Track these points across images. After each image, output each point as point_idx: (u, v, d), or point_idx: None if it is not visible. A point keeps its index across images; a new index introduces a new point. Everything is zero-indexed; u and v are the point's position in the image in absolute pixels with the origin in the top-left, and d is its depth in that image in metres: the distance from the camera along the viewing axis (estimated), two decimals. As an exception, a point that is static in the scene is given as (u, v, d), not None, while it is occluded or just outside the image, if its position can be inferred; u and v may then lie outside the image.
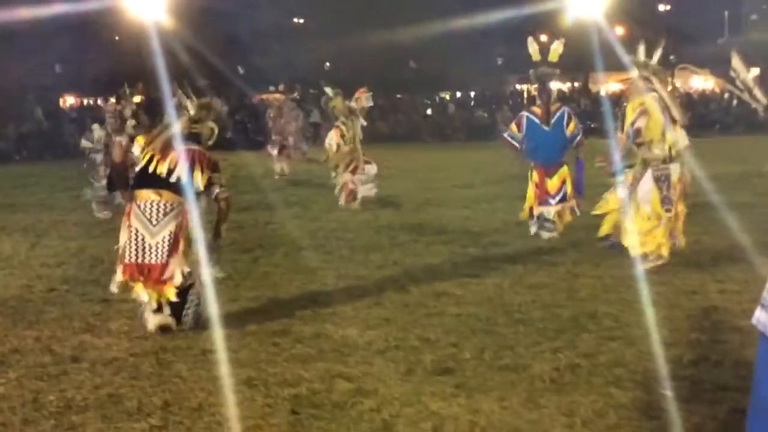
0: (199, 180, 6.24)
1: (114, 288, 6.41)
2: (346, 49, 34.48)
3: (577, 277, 7.82)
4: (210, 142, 6.60)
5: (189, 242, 6.21)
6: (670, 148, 8.00)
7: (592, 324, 6.24)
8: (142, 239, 6.15)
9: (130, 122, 12.65)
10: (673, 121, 8.02)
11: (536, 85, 10.44)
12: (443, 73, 37.72)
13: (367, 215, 12.11)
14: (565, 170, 9.97)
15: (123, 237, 6.29)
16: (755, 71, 28.18)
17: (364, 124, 13.28)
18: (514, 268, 8.28)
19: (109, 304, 7.03)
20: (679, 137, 8.10)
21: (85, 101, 36.26)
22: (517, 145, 10.18)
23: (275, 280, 7.96)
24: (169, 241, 6.13)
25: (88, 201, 12.54)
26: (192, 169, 6.23)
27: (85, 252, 9.59)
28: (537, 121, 10.03)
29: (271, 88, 19.20)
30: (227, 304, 6.79)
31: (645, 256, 7.90)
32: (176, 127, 6.43)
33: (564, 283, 7.57)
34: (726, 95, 34.12)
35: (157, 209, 6.17)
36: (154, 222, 6.16)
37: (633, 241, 7.93)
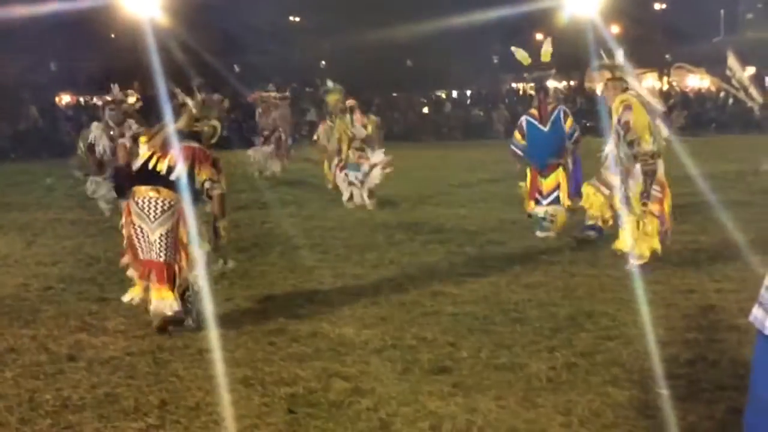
0: (200, 178, 6.23)
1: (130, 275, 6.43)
2: (343, 48, 34.49)
3: (574, 276, 7.82)
4: (213, 140, 6.56)
5: (187, 241, 6.20)
6: (657, 144, 8.02)
7: (589, 323, 6.24)
8: (147, 236, 6.15)
9: (130, 121, 12.63)
10: (654, 116, 8.05)
11: (533, 85, 10.49)
12: (439, 71, 37.75)
13: (363, 214, 12.11)
14: (560, 173, 9.95)
15: (126, 234, 6.31)
16: (751, 70, 28.22)
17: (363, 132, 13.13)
18: (511, 266, 8.28)
19: (106, 303, 7.03)
20: (660, 129, 8.14)
21: (81, 99, 36.18)
22: (520, 152, 10.15)
23: (271, 279, 7.96)
24: (166, 238, 6.12)
25: (102, 196, 12.35)
26: (192, 168, 6.21)
27: (81, 251, 9.58)
28: (535, 122, 10.04)
29: (270, 87, 19.07)
30: (223, 303, 6.78)
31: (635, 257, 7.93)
32: (178, 124, 6.40)
33: (561, 282, 7.57)
34: (722, 94, 34.19)
35: (155, 206, 6.15)
36: (152, 218, 6.14)
37: (629, 239, 7.94)
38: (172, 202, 6.17)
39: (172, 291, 6.11)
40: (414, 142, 30.57)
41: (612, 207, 8.41)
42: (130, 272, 6.41)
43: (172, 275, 6.14)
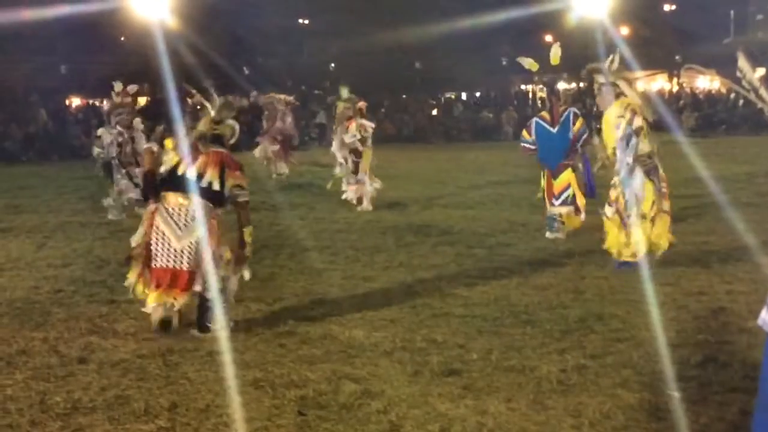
0: (228, 184, 6.18)
1: (129, 285, 6.37)
2: (352, 50, 34.51)
3: (584, 278, 7.81)
4: (232, 141, 6.49)
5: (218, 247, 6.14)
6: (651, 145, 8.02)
7: (599, 325, 6.22)
8: (168, 243, 6.08)
9: (135, 120, 12.69)
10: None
11: (541, 87, 10.54)
12: (448, 73, 37.75)
13: (373, 216, 12.12)
14: (569, 173, 9.95)
15: (141, 235, 6.25)
16: (761, 71, 28.11)
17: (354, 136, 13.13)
18: (521, 268, 8.28)
19: (116, 306, 7.04)
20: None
21: (91, 102, 36.31)
22: (532, 147, 10.23)
23: (281, 281, 7.97)
24: (195, 247, 6.05)
25: (111, 206, 12.42)
26: (222, 174, 6.16)
27: (91, 253, 9.61)
28: (545, 124, 10.07)
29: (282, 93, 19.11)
30: (233, 305, 6.78)
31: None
32: (199, 128, 6.34)
33: (570, 284, 7.56)
34: (732, 95, 34.09)
35: (185, 214, 6.09)
36: (182, 226, 6.08)
37: (639, 242, 7.91)
38: (203, 210, 6.09)
39: (189, 296, 6.11)
40: (423, 144, 30.59)
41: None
42: (133, 278, 6.31)
43: (192, 282, 6.09)
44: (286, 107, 18.00)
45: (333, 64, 39.29)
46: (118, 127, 12.43)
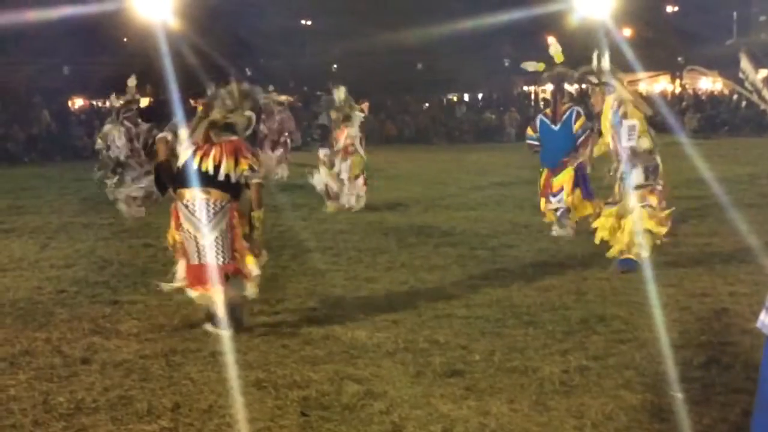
0: (240, 168, 6.06)
1: (166, 287, 6.36)
2: (354, 51, 34.55)
3: (586, 279, 7.80)
4: (247, 132, 6.38)
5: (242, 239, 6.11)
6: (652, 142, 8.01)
7: (602, 326, 6.22)
8: (195, 240, 6.04)
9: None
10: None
11: (551, 87, 10.52)
12: (451, 74, 37.78)
13: (375, 217, 12.12)
14: (569, 172, 9.94)
15: (174, 236, 6.21)
16: (764, 72, 28.03)
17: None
18: (523, 270, 8.28)
19: (119, 306, 7.06)
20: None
21: (94, 103, 36.36)
22: (537, 143, 10.32)
23: (283, 282, 7.96)
24: (222, 240, 6.02)
25: (123, 198, 12.45)
26: (236, 162, 6.05)
27: (94, 253, 9.62)
28: (547, 121, 10.11)
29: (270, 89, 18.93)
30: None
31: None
32: (213, 116, 6.20)
33: (573, 285, 7.56)
34: (735, 97, 34.07)
35: (207, 209, 6.01)
36: (205, 222, 6.01)
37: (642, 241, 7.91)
38: (223, 203, 6.05)
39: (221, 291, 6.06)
40: (425, 145, 30.60)
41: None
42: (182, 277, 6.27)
43: (227, 276, 6.06)
44: (281, 107, 17.97)
45: (335, 65, 39.32)
46: (126, 123, 12.50)
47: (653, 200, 8.01)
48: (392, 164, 21.35)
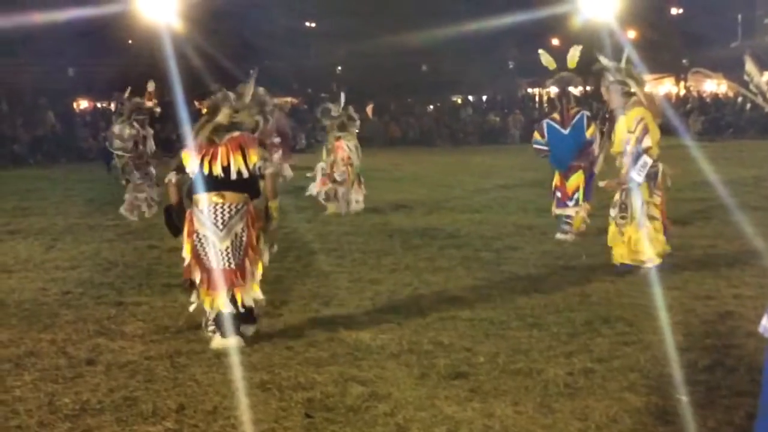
0: (251, 162, 5.93)
1: (194, 298, 6.16)
2: (358, 53, 34.57)
3: (591, 281, 7.80)
4: (254, 134, 6.27)
5: (259, 242, 6.02)
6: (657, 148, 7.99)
7: (606, 328, 6.22)
8: (213, 245, 5.89)
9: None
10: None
11: (556, 90, 10.50)
12: (455, 76, 37.79)
13: (379, 219, 12.13)
14: (580, 175, 9.93)
15: (187, 247, 6.02)
16: (768, 75, 28.02)
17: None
18: (528, 272, 8.28)
19: (124, 308, 7.07)
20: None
21: (98, 105, 36.43)
22: (545, 148, 10.21)
23: (288, 283, 7.97)
24: (239, 245, 5.92)
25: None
26: (247, 156, 5.92)
27: (99, 255, 9.64)
28: (556, 125, 10.07)
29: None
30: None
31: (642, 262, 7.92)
32: (218, 118, 6.09)
33: (577, 288, 7.55)
34: (739, 99, 34.05)
35: (222, 212, 5.89)
36: (221, 226, 5.88)
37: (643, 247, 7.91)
38: (239, 206, 5.94)
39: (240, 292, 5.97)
40: (429, 147, 30.62)
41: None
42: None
43: (240, 278, 5.96)
44: (277, 108, 17.94)
45: (340, 67, 39.37)
46: (136, 125, 12.59)
47: (656, 212, 8.01)
48: (396, 166, 21.38)
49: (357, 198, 12.87)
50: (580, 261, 8.69)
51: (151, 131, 12.90)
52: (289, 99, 37.04)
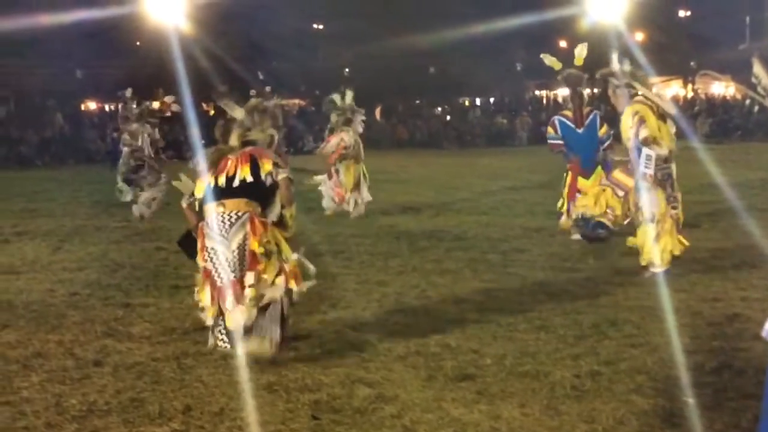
0: (264, 171, 5.75)
1: (209, 320, 5.84)
2: (366, 55, 34.57)
3: (598, 283, 7.78)
4: (270, 149, 6.04)
5: (265, 253, 5.73)
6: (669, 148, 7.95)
7: (613, 331, 6.21)
8: (224, 257, 5.66)
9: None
10: (665, 118, 7.97)
11: (567, 91, 10.46)
12: (463, 78, 37.78)
13: (386, 221, 12.12)
14: (600, 172, 9.82)
15: (200, 262, 5.82)
16: (777, 77, 27.90)
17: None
18: (534, 274, 8.27)
19: (131, 309, 7.09)
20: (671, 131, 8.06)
21: (106, 106, 36.54)
22: (560, 142, 10.13)
23: (295, 285, 7.96)
24: (238, 253, 5.66)
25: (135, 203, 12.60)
26: (256, 166, 5.76)
27: (107, 256, 9.66)
28: (569, 123, 10.02)
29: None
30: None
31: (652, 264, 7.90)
32: (231, 142, 5.94)
33: (584, 290, 7.54)
34: (747, 102, 33.97)
35: (222, 221, 5.67)
36: (224, 235, 5.66)
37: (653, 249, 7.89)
38: (239, 213, 5.70)
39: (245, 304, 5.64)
40: (437, 149, 30.60)
41: (626, 209, 8.32)
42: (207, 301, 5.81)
43: (243, 289, 5.65)
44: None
45: (347, 69, 39.38)
46: (148, 127, 12.78)
47: (674, 214, 8.00)
48: (404, 168, 21.38)
49: (358, 200, 12.70)
50: (587, 263, 8.68)
51: (158, 135, 13.07)
52: (296, 101, 37.14)
